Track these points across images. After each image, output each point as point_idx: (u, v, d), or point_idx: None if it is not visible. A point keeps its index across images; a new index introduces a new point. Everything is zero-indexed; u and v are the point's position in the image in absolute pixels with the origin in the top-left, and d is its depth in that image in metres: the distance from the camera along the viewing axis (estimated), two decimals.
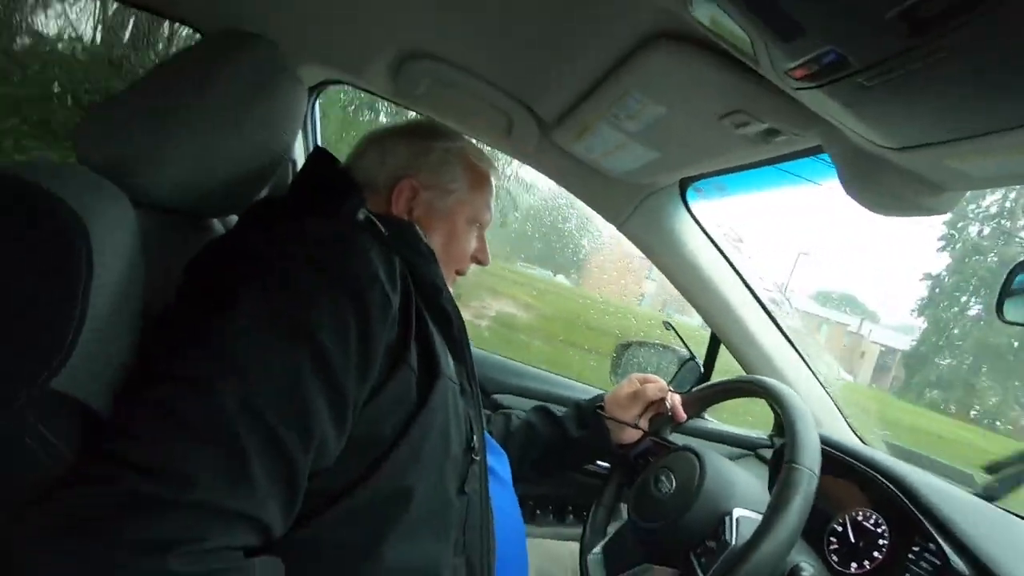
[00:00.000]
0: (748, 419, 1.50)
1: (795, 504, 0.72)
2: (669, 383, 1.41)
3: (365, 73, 1.03)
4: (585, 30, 0.72)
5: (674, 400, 1.03)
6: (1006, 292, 0.68)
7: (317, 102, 1.23)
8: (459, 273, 0.90)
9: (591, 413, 1.04)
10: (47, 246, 0.52)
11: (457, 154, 0.85)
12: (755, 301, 1.23)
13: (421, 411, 0.64)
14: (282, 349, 0.54)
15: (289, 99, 0.79)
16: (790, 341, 1.27)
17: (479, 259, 0.92)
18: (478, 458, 0.74)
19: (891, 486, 0.92)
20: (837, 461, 1.02)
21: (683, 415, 1.03)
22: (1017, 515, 1.01)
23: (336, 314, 0.57)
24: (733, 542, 0.78)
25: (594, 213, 1.22)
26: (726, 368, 1.36)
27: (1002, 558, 0.74)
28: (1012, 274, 0.68)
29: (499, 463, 0.88)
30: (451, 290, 0.85)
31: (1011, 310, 0.67)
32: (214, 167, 0.72)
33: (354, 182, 0.77)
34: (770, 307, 1.25)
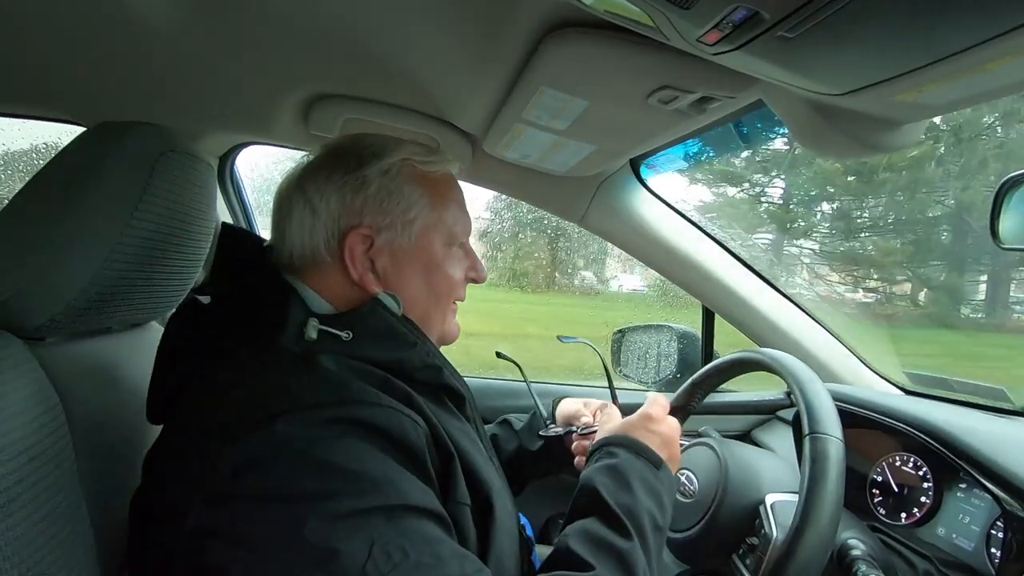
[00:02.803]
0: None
1: (830, 477, 0.66)
2: (674, 367, 1.37)
3: (273, 129, 0.96)
4: (479, 37, 0.66)
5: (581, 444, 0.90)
6: (998, 212, 0.61)
7: (234, 167, 1.16)
8: (458, 301, 0.74)
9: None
10: None
11: (400, 171, 0.65)
12: (741, 266, 1.17)
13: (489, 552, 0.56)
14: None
15: (189, 177, 0.72)
16: (790, 299, 1.21)
17: (474, 278, 0.74)
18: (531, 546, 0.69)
19: (916, 431, 0.86)
20: (857, 415, 0.97)
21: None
22: None
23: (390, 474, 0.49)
24: (774, 533, 0.73)
25: None
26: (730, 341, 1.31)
27: None
28: (1003, 191, 0.61)
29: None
30: (454, 322, 0.74)
31: (1010, 232, 0.61)
32: (118, 274, 0.64)
33: (284, 285, 0.62)
34: (759, 268, 1.19)
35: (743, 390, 1.37)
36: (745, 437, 1.30)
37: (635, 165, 1.07)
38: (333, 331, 0.57)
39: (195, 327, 0.62)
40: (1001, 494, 0.72)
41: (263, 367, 0.55)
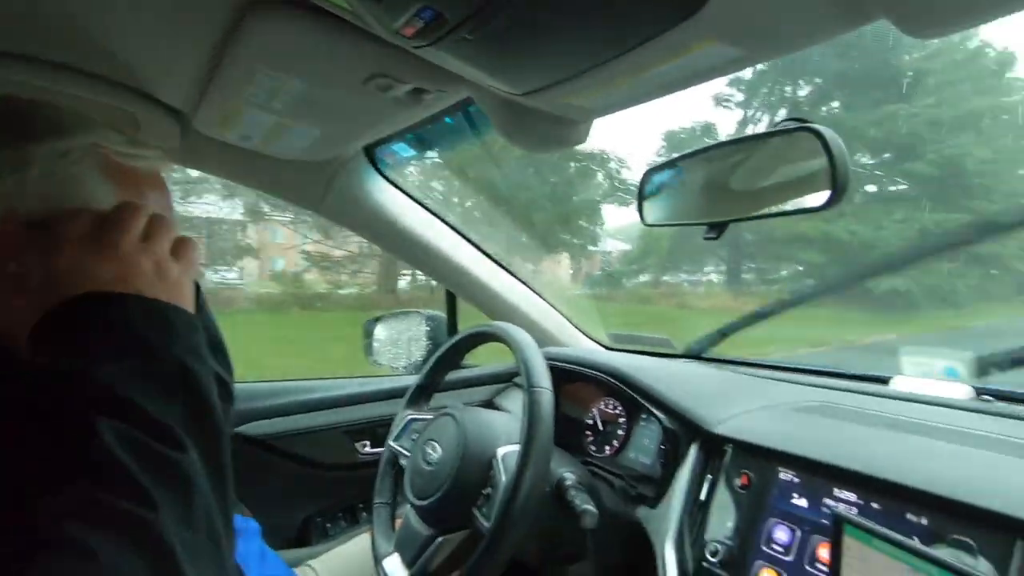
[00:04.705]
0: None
1: (541, 422, 0.78)
2: (424, 350, 1.43)
3: None
4: (172, 3, 0.59)
5: None
6: (643, 197, 0.80)
7: None
8: None
9: None
10: None
11: (84, 157, 0.50)
12: (476, 250, 1.28)
13: None
14: None
15: None
16: (518, 278, 1.36)
17: None
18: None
19: (609, 377, 1.06)
20: (571, 371, 1.15)
21: None
22: (684, 356, 1.29)
23: None
24: (503, 479, 0.82)
25: None
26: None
27: (694, 405, 0.92)
28: (644, 181, 0.80)
29: None
30: None
31: (649, 213, 0.80)
32: None
33: None
34: (491, 250, 1.32)
35: (487, 364, 1.51)
36: (489, 405, 1.43)
37: (372, 153, 1.09)
38: None
39: None
40: (661, 415, 0.94)
41: None
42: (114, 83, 0.80)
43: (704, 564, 0.77)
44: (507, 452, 0.85)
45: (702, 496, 0.84)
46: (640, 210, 0.80)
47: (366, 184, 1.10)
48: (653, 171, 0.79)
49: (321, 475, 1.28)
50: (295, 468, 1.24)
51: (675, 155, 0.76)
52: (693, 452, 0.88)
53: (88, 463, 0.36)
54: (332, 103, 0.73)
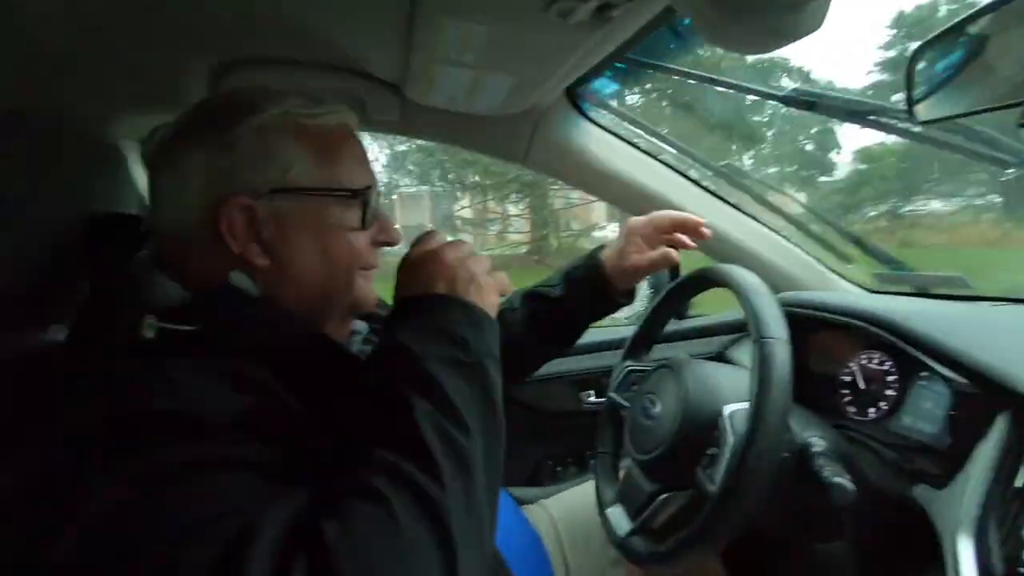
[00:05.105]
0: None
1: (775, 378, 0.67)
2: (650, 296, 1.37)
3: (187, 105, 0.93)
4: None
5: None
6: (913, 86, 0.59)
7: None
8: (369, 269, 0.65)
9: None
10: None
11: (278, 127, 0.57)
12: (697, 187, 1.16)
13: None
14: None
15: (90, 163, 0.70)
16: (749, 215, 1.19)
17: (385, 241, 0.65)
18: None
19: (872, 326, 0.86)
20: (820, 319, 0.97)
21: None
22: (991, 298, 0.99)
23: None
24: (731, 440, 0.73)
25: None
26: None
27: (1003, 362, 0.69)
28: (914, 61, 0.58)
29: None
30: (368, 288, 0.65)
31: (925, 107, 0.59)
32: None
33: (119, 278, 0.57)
34: (714, 187, 1.18)
35: (716, 313, 1.38)
36: (721, 357, 1.31)
37: (573, 96, 1.04)
38: (177, 327, 0.49)
39: None
40: (950, 375, 0.73)
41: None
42: (342, 70, 0.90)
43: (1021, 570, 0.58)
44: (735, 410, 0.75)
45: (1017, 482, 0.63)
46: (910, 103, 0.60)
47: (571, 130, 1.06)
48: (927, 46, 0.57)
49: (549, 422, 1.34)
50: (525, 414, 1.32)
51: (957, 19, 0.53)
52: (1002, 423, 0.67)
53: (399, 434, 0.44)
54: (518, 42, 0.70)
